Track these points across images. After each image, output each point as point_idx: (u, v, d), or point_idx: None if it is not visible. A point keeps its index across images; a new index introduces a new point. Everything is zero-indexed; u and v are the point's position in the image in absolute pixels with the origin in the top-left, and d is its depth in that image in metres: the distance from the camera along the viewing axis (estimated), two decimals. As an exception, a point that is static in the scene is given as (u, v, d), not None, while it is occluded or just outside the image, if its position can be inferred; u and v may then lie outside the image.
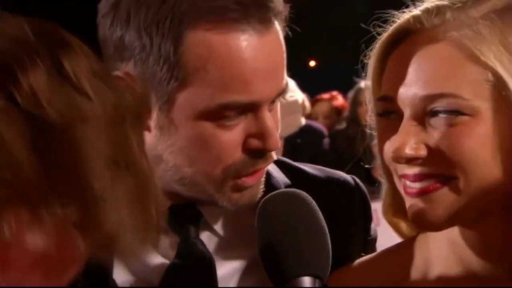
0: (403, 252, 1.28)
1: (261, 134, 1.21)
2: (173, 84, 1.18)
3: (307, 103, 5.41)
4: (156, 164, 1.23)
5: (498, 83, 1.04)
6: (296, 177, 1.42)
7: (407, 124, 1.09)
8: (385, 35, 1.16)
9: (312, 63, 24.48)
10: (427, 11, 1.11)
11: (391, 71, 1.14)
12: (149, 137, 1.23)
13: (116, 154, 0.77)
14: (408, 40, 1.12)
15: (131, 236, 0.79)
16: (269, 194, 1.23)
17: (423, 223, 1.12)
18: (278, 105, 1.28)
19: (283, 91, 1.24)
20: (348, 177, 1.49)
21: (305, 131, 5.35)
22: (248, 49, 1.17)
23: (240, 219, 1.36)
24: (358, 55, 1.23)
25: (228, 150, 1.21)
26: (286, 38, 1.25)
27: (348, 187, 1.46)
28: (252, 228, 1.36)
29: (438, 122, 1.07)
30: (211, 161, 1.22)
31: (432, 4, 1.11)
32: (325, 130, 5.73)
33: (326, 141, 5.59)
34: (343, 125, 5.67)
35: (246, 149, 1.22)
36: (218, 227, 1.35)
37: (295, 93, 5.05)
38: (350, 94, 5.66)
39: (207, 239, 1.34)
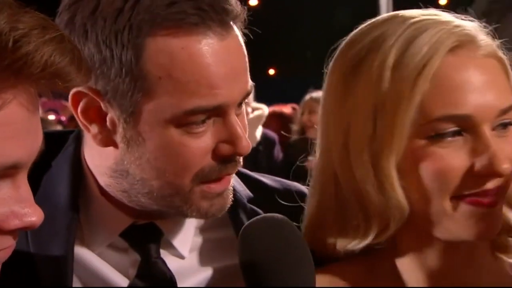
0: (367, 261, 1.26)
1: (231, 139, 1.20)
2: (137, 95, 1.15)
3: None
4: (123, 178, 1.22)
5: None
6: (257, 189, 1.42)
7: (492, 139, 1.10)
8: (442, 46, 1.11)
9: (272, 72, 24.62)
10: (475, 29, 1.16)
11: (455, 85, 1.11)
12: (115, 152, 1.22)
13: None
14: (463, 54, 1.13)
15: None
16: (250, 221, 1.20)
17: (488, 231, 1.14)
18: (244, 109, 1.27)
19: (248, 94, 1.23)
20: (304, 188, 1.50)
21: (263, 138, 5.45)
22: (209, 53, 1.15)
23: (201, 236, 1.36)
24: (317, 65, 1.23)
25: (197, 157, 1.19)
26: (246, 46, 1.24)
27: (304, 198, 1.47)
28: (212, 244, 1.36)
29: (507, 133, 1.13)
30: (179, 171, 1.19)
31: (476, 27, 1.16)
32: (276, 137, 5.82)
33: (278, 148, 5.71)
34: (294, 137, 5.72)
35: (216, 155, 1.20)
36: (179, 245, 1.33)
37: (260, 107, 5.10)
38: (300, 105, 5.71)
39: (168, 257, 1.32)
